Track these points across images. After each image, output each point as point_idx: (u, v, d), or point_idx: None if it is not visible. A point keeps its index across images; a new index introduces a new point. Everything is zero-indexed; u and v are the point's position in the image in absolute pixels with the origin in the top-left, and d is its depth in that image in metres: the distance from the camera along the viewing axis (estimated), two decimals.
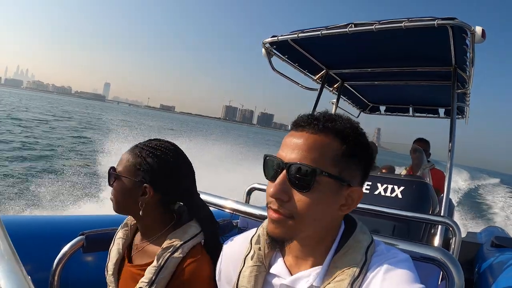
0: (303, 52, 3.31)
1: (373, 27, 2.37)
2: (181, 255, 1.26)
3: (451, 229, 2.13)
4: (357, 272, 0.85)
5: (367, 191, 2.97)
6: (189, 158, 1.45)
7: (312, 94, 3.98)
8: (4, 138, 18.82)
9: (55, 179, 10.86)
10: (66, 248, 1.59)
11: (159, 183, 1.33)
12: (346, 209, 0.91)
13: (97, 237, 1.64)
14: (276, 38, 2.94)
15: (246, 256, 1.03)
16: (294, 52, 3.29)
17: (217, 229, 1.45)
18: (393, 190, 2.91)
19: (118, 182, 1.34)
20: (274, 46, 3.17)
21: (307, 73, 3.78)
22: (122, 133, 22.22)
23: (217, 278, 1.15)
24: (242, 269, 1.01)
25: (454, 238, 2.10)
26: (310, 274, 0.91)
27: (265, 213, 1.54)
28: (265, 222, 1.06)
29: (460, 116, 4.61)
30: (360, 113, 5.36)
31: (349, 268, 0.86)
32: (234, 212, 1.86)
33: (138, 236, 1.46)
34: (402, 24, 2.27)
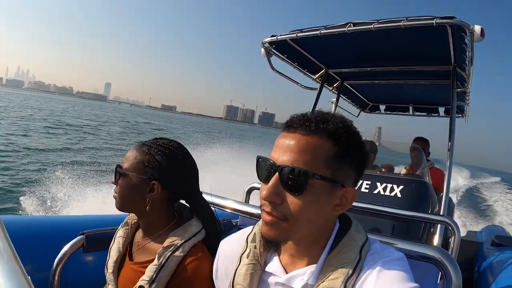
0: (303, 52, 3.31)
1: (371, 26, 2.37)
2: (182, 254, 1.28)
3: (450, 228, 2.13)
4: (351, 270, 0.86)
5: (366, 190, 2.98)
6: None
7: (312, 93, 3.99)
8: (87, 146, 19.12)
9: None
10: (66, 247, 1.60)
11: (167, 180, 1.35)
12: (340, 209, 0.91)
13: (97, 237, 1.65)
14: (275, 37, 2.95)
15: (242, 254, 1.03)
16: (294, 52, 3.29)
17: (219, 228, 1.46)
18: (392, 189, 2.91)
19: (124, 179, 1.35)
20: (274, 46, 3.17)
21: (306, 72, 3.78)
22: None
23: (213, 276, 1.15)
24: (238, 267, 1.01)
25: (453, 237, 2.10)
26: (305, 273, 0.92)
27: None
28: (261, 221, 1.08)
29: (460, 115, 4.61)
30: (360, 112, 5.36)
31: (343, 267, 0.87)
32: (234, 212, 1.87)
33: (139, 234, 1.47)
34: (401, 24, 2.27)
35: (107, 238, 1.55)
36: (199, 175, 1.48)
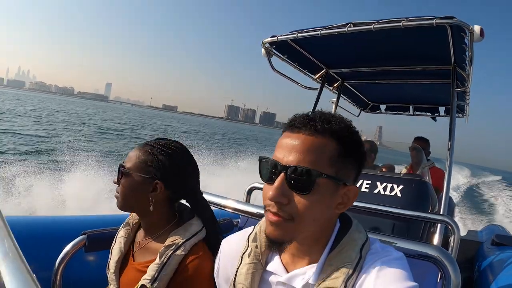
0: (303, 52, 3.31)
1: (371, 26, 2.37)
2: (183, 253, 1.29)
3: (450, 227, 2.14)
4: (351, 269, 0.87)
5: (367, 190, 2.98)
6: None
7: (312, 93, 3.99)
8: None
9: None
10: (68, 247, 1.61)
11: (170, 180, 1.37)
12: (342, 208, 0.93)
13: (98, 237, 1.66)
14: (275, 38, 2.95)
15: (243, 253, 1.04)
16: (294, 52, 3.30)
17: (219, 228, 1.48)
18: (392, 189, 2.91)
19: (127, 179, 1.36)
20: (274, 46, 3.17)
21: (307, 72, 3.78)
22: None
23: (215, 276, 1.16)
24: (239, 266, 1.02)
25: (453, 237, 2.11)
26: (305, 272, 0.93)
27: None
28: (262, 220, 1.08)
29: (460, 115, 4.62)
30: (360, 112, 5.36)
31: (343, 266, 0.88)
32: (235, 212, 1.88)
33: (140, 234, 1.49)
34: (401, 24, 2.27)
35: (109, 238, 1.56)
36: (199, 175, 1.50)
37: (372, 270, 0.86)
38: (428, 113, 4.97)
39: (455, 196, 17.29)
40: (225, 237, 1.20)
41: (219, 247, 1.21)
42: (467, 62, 2.63)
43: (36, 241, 2.05)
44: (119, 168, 1.39)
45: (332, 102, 4.52)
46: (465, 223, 10.78)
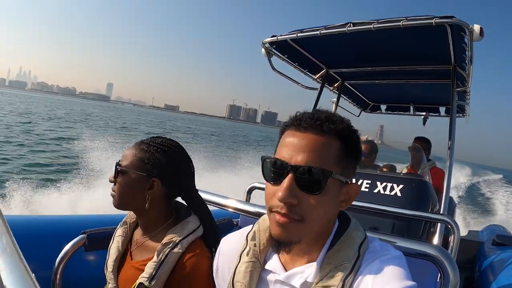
0: (303, 52, 3.32)
1: (371, 26, 2.37)
2: (180, 250, 1.29)
3: (450, 227, 2.13)
4: (349, 268, 0.87)
5: (367, 190, 2.98)
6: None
7: (313, 93, 3.99)
8: None
9: None
10: (68, 246, 1.61)
11: (167, 177, 1.38)
12: (344, 205, 0.94)
13: (98, 236, 1.66)
14: (275, 38, 2.95)
15: (242, 252, 1.04)
16: (294, 52, 3.30)
17: (215, 225, 1.49)
18: (392, 189, 2.91)
19: (123, 177, 1.37)
20: (274, 46, 3.18)
21: (307, 72, 3.78)
22: None
23: (214, 275, 1.16)
24: (237, 265, 1.02)
25: (452, 236, 2.10)
26: (304, 270, 0.93)
27: (265, 212, 1.56)
28: (261, 219, 1.08)
29: (460, 115, 4.62)
30: (361, 112, 5.36)
31: (341, 264, 0.88)
32: (235, 211, 1.87)
33: (137, 232, 1.49)
34: (400, 23, 2.27)
35: (109, 237, 1.56)
36: (194, 173, 1.51)
37: (370, 269, 0.86)
38: (428, 113, 4.96)
39: (455, 195, 17.25)
40: (224, 236, 1.20)
41: (217, 244, 1.21)
42: (467, 61, 2.63)
43: (36, 240, 2.05)
44: (115, 167, 1.39)
45: (333, 102, 4.52)
46: (466, 223, 10.76)
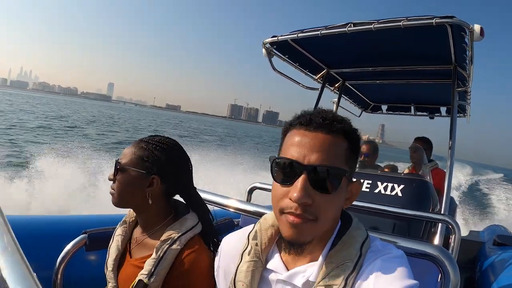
0: (304, 52, 3.31)
1: (371, 26, 2.37)
2: (179, 247, 1.30)
3: (450, 227, 2.13)
4: (351, 267, 0.87)
5: (367, 190, 2.98)
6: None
7: (314, 93, 3.99)
8: None
9: None
10: (69, 246, 1.62)
11: (166, 174, 1.39)
12: (348, 203, 0.95)
13: (99, 236, 1.66)
14: (276, 38, 2.95)
15: (243, 251, 1.04)
16: (295, 52, 3.30)
17: (213, 222, 1.50)
18: (393, 189, 2.91)
19: (123, 175, 1.38)
20: (275, 46, 3.18)
21: (308, 72, 3.78)
22: None
23: (215, 274, 1.16)
24: (239, 264, 1.02)
25: (453, 236, 2.10)
26: (306, 270, 0.93)
27: (267, 212, 1.57)
28: (263, 218, 1.09)
29: (461, 115, 4.61)
30: (362, 112, 5.36)
31: (343, 263, 0.88)
32: (237, 211, 1.88)
33: (137, 230, 1.50)
34: (401, 23, 2.27)
35: (109, 237, 1.56)
36: (192, 171, 1.52)
37: (372, 268, 0.86)
38: (429, 113, 4.96)
39: (456, 195, 17.22)
40: (225, 235, 1.20)
41: (215, 241, 1.21)
42: (467, 61, 2.63)
43: (37, 240, 2.06)
44: (115, 165, 1.39)
45: (333, 102, 4.51)
46: (467, 223, 10.73)
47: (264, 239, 1.03)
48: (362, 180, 3.02)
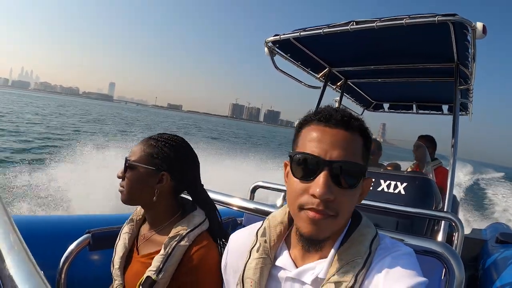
0: (306, 51, 3.31)
1: (374, 24, 2.37)
2: (187, 243, 1.31)
3: (454, 224, 2.13)
4: (361, 264, 0.87)
5: (370, 188, 2.97)
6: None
7: (316, 91, 3.99)
8: None
9: None
10: (72, 246, 1.62)
11: (175, 171, 1.41)
12: (361, 199, 0.95)
13: (103, 235, 1.67)
14: (278, 37, 2.96)
15: (252, 248, 1.03)
16: (297, 51, 3.30)
17: (220, 218, 1.51)
18: (396, 187, 2.91)
19: (132, 172, 1.39)
20: (277, 45, 3.18)
21: (310, 71, 3.78)
22: None
23: (222, 271, 1.15)
24: (247, 261, 1.01)
25: (457, 234, 2.10)
26: (315, 267, 0.93)
27: (271, 210, 1.57)
28: (271, 215, 1.09)
29: (464, 113, 4.61)
30: (364, 111, 5.36)
31: (353, 260, 0.88)
32: (241, 209, 1.87)
33: (144, 227, 1.51)
34: (403, 21, 2.27)
35: (113, 236, 1.57)
36: (199, 167, 1.54)
37: (382, 265, 0.86)
38: (431, 112, 4.96)
39: (457, 193, 17.23)
40: (232, 232, 1.20)
41: (223, 237, 1.21)
42: (470, 59, 2.62)
43: (41, 240, 2.06)
44: (125, 162, 1.41)
45: (335, 101, 4.51)
46: (469, 221, 10.72)
47: (273, 236, 1.02)
48: None
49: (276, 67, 3.35)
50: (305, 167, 0.88)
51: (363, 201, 2.31)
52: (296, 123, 1.04)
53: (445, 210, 2.48)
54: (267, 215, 1.12)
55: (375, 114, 5.45)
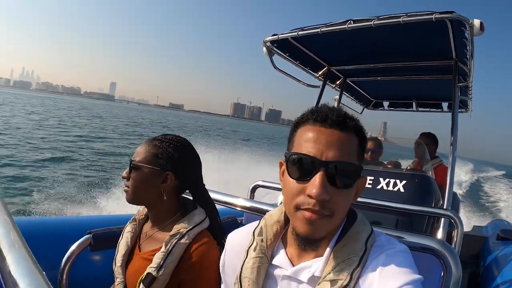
0: (304, 50, 3.32)
1: (371, 23, 2.38)
2: (187, 241, 1.34)
3: (453, 221, 2.13)
4: (356, 261, 0.87)
5: (370, 186, 2.98)
6: None
7: (315, 90, 4.00)
8: None
9: None
10: (73, 246, 1.63)
11: (179, 171, 1.44)
12: (355, 198, 0.96)
13: (104, 236, 1.68)
14: (276, 36, 2.96)
15: (249, 247, 1.04)
16: (295, 50, 3.31)
17: (218, 217, 1.55)
18: (395, 184, 2.91)
19: (137, 172, 1.41)
20: (275, 45, 3.19)
21: (309, 70, 3.78)
22: None
23: (221, 270, 1.16)
24: (245, 260, 1.02)
25: (456, 231, 2.10)
26: (311, 265, 0.93)
27: (271, 209, 1.58)
28: (267, 214, 1.10)
29: (463, 110, 4.60)
30: (363, 109, 5.36)
31: (349, 258, 0.88)
32: (241, 209, 1.88)
33: (147, 226, 1.54)
34: (401, 19, 2.27)
35: (114, 237, 1.58)
36: (201, 167, 1.56)
37: (377, 262, 0.87)
38: (431, 109, 4.96)
39: (458, 192, 17.24)
40: (230, 232, 1.21)
41: (222, 236, 1.22)
42: (468, 56, 2.62)
43: (42, 241, 2.07)
44: (130, 163, 1.43)
45: (335, 100, 4.51)
46: (469, 219, 10.72)
47: (269, 235, 1.03)
48: None
49: (275, 66, 3.36)
50: (301, 167, 0.89)
51: (363, 199, 2.33)
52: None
53: (444, 207, 2.49)
54: None
55: (376, 113, 5.45)
